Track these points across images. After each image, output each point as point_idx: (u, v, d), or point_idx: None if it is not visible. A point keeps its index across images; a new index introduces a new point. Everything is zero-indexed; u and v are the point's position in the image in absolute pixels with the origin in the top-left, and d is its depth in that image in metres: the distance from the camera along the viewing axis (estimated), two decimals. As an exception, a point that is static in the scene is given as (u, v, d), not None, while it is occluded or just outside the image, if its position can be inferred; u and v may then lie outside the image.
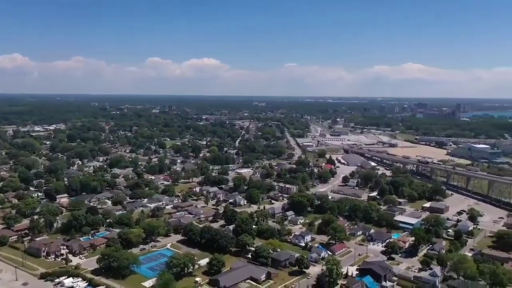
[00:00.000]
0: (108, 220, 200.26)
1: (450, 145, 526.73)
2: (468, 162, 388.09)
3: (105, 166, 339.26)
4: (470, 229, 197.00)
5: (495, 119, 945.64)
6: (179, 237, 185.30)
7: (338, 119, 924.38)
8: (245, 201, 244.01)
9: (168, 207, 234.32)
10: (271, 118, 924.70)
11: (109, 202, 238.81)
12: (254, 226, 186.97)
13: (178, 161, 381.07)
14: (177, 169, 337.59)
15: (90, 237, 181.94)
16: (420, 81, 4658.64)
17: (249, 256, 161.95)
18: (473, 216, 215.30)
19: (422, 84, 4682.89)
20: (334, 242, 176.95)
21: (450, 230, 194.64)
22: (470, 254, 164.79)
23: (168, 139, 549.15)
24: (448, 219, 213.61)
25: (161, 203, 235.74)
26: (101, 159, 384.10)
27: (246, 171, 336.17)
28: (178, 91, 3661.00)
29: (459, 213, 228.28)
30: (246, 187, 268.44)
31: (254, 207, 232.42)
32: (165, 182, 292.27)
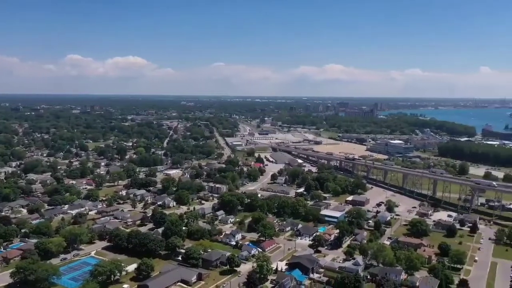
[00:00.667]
0: (23, 230, 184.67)
1: (369, 141, 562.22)
2: (385, 157, 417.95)
3: (18, 172, 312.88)
4: (388, 219, 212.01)
5: (408, 116, 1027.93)
6: (104, 243, 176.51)
7: (266, 118, 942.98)
8: (174, 203, 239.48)
9: (92, 212, 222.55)
10: (200, 117, 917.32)
11: (24, 211, 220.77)
12: (184, 228, 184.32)
13: (102, 164, 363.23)
14: (101, 172, 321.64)
15: (1, 249, 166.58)
16: (341, 81, 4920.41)
17: (180, 258, 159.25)
18: (390, 207, 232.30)
19: (343, 84, 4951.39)
20: (264, 239, 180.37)
21: (370, 221, 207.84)
22: (388, 243, 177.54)
23: (91, 141, 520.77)
24: (368, 210, 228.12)
25: (83, 209, 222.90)
26: (14, 164, 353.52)
27: (175, 172, 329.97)
28: (100, 90, 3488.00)
29: (378, 204, 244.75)
30: (175, 189, 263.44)
31: (184, 208, 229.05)
32: (88, 187, 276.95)
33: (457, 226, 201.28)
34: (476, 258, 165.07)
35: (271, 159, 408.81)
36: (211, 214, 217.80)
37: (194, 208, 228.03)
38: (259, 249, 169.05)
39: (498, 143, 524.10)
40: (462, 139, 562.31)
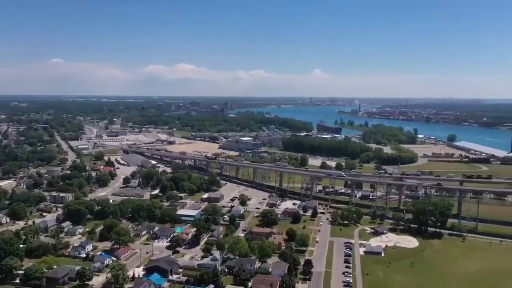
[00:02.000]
0: None
1: (222, 139, 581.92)
2: (237, 153, 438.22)
3: None
4: (241, 212, 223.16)
5: (255, 114, 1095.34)
6: None
7: (115, 119, 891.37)
8: (8, 218, 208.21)
9: None
10: (36, 120, 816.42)
11: None
12: (21, 246, 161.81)
13: None
14: None
15: None
16: (192, 81, 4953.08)
17: (18, 281, 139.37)
18: (243, 201, 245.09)
19: (194, 83, 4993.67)
20: (118, 247, 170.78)
21: (226, 216, 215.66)
22: (242, 235, 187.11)
23: None
24: (223, 206, 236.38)
25: None
26: None
27: (7, 183, 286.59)
28: None
29: (232, 199, 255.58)
30: (8, 202, 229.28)
31: (21, 224, 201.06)
32: None
33: (301, 212, 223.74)
34: (317, 239, 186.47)
35: (122, 162, 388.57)
36: (55, 226, 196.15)
37: (33, 222, 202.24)
38: (114, 258, 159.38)
39: (330, 136, 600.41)
40: (302, 134, 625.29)
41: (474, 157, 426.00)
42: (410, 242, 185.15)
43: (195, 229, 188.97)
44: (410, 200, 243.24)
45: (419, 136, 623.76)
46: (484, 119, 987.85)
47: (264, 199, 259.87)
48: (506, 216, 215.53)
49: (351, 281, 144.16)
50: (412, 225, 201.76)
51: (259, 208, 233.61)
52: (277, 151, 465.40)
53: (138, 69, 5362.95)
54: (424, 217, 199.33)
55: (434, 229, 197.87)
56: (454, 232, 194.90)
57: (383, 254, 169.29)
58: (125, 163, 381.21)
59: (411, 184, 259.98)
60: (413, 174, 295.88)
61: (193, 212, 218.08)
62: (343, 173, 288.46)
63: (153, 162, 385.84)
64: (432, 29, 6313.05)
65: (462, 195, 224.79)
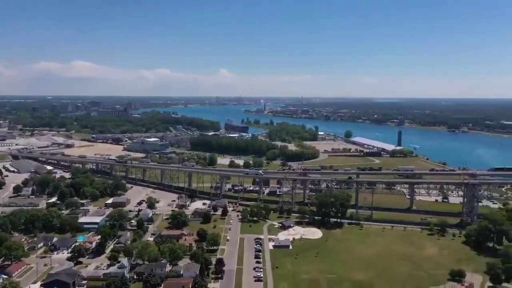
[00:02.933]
0: None
1: (126, 140, 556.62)
2: (143, 155, 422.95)
3: None
4: (150, 216, 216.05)
5: (161, 114, 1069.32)
6: None
7: (1, 122, 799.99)
8: None
9: None
10: None
11: None
12: None
13: None
14: None
15: None
16: (91, 80, 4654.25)
17: None
18: (151, 204, 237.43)
19: (94, 82, 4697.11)
20: (10, 263, 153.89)
21: (133, 221, 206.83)
22: (152, 239, 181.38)
23: None
24: (130, 210, 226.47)
25: None
26: None
27: None
28: None
29: (140, 203, 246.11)
30: None
31: None
32: None
33: (212, 212, 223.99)
34: (228, 238, 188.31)
35: (12, 169, 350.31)
36: None
37: None
38: (4, 276, 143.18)
39: (237, 135, 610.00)
40: (210, 134, 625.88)
41: (368, 151, 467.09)
42: (315, 233, 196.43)
43: (99, 236, 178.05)
44: (314, 193, 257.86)
45: (320, 133, 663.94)
46: (375, 116, 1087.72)
47: (174, 200, 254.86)
48: (395, 204, 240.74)
49: (262, 275, 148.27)
50: (316, 217, 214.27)
51: (168, 210, 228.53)
52: (185, 151, 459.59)
53: (26, 65, 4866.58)
54: (326, 209, 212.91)
55: (335, 220, 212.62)
56: (353, 221, 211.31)
57: (291, 247, 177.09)
58: (16, 170, 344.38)
59: (314, 179, 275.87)
60: (313, 169, 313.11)
61: (97, 219, 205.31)
62: (261, 171, 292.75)
63: (49, 167, 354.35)
64: (327, 33, 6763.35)
65: (358, 187, 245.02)
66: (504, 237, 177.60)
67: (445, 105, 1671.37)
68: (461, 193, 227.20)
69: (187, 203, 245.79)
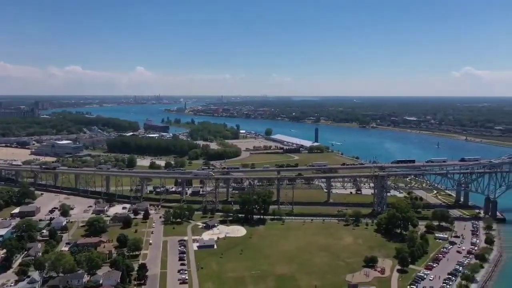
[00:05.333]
0: None
1: (34, 144, 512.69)
2: (54, 159, 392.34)
3: None
4: (64, 224, 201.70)
5: (74, 115, 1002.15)
6: None
7: None
8: None
9: None
10: None
11: None
12: None
13: None
14: None
15: None
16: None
17: None
18: (65, 211, 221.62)
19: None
20: None
21: (44, 231, 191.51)
22: (67, 248, 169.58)
23: None
24: (41, 220, 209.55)
25: None
26: None
27: None
28: None
29: (52, 211, 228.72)
30: None
31: None
32: None
33: (132, 216, 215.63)
34: (151, 241, 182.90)
35: None
36: None
37: None
38: None
39: (157, 135, 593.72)
40: (128, 134, 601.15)
41: (287, 148, 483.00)
42: (239, 231, 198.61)
43: (4, 250, 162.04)
44: (237, 192, 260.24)
45: (241, 131, 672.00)
46: (294, 114, 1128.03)
47: (90, 206, 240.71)
48: (314, 198, 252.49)
49: (186, 277, 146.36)
50: (240, 215, 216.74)
51: (85, 217, 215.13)
52: (101, 154, 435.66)
53: None
54: (249, 206, 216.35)
55: (259, 217, 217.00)
56: (275, 217, 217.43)
57: (215, 247, 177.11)
58: None
59: (237, 177, 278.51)
60: (233, 168, 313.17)
61: (2, 231, 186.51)
62: (211, 173, 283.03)
63: None
64: (245, 32, 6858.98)
65: (280, 183, 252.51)
66: (409, 223, 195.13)
67: (356, 102, 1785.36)
68: (372, 184, 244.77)
69: (105, 208, 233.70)
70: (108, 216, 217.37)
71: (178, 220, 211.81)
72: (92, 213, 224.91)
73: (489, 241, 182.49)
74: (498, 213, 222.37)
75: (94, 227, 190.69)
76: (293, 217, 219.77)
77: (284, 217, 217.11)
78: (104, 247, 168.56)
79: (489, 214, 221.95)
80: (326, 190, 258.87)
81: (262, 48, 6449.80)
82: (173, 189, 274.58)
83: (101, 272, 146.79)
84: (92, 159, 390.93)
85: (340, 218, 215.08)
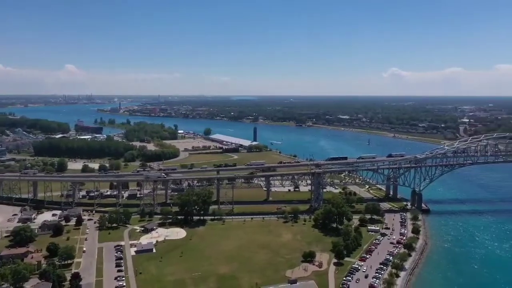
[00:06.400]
0: None
1: None
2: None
3: None
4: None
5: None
6: None
7: None
8: None
9: None
10: None
11: None
12: None
13: None
14: None
15: None
16: None
17: None
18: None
19: None
20: None
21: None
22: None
23: None
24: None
25: None
26: None
27: None
28: None
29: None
30: None
31: None
32: None
33: (64, 223, 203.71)
34: (85, 249, 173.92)
35: None
36: None
37: None
38: None
39: (90, 136, 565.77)
40: (58, 136, 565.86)
41: (227, 147, 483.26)
42: (178, 233, 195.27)
43: None
44: (176, 193, 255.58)
45: (179, 131, 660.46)
46: (232, 113, 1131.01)
47: (15, 214, 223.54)
48: (254, 196, 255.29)
49: (124, 284, 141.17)
50: (180, 217, 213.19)
51: (9, 226, 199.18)
52: (27, 158, 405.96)
53: None
54: (189, 207, 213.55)
55: (199, 217, 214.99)
56: (216, 217, 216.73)
57: (154, 250, 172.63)
58: None
59: (176, 178, 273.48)
60: (170, 168, 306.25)
61: None
62: (163, 174, 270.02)
63: None
64: (179, 29, 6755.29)
65: (220, 183, 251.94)
66: (344, 217, 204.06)
67: (293, 101, 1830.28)
68: (309, 182, 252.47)
69: (33, 216, 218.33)
70: (36, 224, 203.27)
71: (114, 225, 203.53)
72: (18, 222, 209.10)
73: (416, 231, 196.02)
74: (423, 205, 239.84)
75: (20, 237, 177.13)
76: (233, 217, 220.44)
77: (224, 217, 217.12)
78: (32, 257, 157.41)
79: (415, 205, 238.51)
80: (266, 189, 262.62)
81: (199, 47, 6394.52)
82: (108, 193, 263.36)
83: (29, 284, 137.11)
84: (17, 163, 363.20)
85: (279, 216, 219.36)
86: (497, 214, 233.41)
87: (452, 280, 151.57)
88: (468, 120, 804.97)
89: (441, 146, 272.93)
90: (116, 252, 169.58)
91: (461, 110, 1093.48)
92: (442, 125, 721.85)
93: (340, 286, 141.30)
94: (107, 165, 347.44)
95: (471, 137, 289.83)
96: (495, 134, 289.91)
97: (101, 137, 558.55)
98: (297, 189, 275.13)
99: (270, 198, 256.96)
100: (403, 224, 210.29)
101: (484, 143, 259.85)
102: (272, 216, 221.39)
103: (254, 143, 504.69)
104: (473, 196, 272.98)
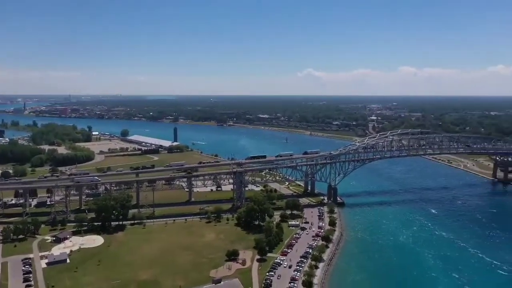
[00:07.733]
0: None
1: None
2: None
3: None
4: None
5: None
6: None
7: None
8: None
9: None
10: None
11: None
12: None
13: None
14: None
15: None
16: None
17: None
18: None
19: None
20: None
21: None
22: None
23: None
24: None
25: None
26: None
27: None
28: None
29: None
30: None
31: None
32: None
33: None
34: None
35: None
36: None
37: None
38: None
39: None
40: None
41: (146, 148, 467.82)
42: (95, 240, 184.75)
43: None
44: (92, 198, 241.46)
45: (94, 133, 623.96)
46: (151, 113, 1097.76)
47: None
48: (175, 198, 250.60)
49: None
50: (96, 223, 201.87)
51: None
52: None
53: None
54: (106, 213, 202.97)
55: (117, 223, 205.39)
56: (136, 221, 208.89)
57: (68, 261, 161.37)
58: None
59: (91, 183, 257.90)
60: (81, 173, 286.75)
61: None
62: (97, 177, 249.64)
63: None
64: (92, 26, 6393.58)
65: (139, 186, 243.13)
66: (266, 214, 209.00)
67: (213, 101, 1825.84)
68: (231, 180, 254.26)
69: None
70: None
71: (21, 236, 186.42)
72: None
73: (332, 223, 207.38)
74: (338, 198, 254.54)
75: None
76: (154, 220, 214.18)
77: (145, 221, 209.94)
78: None
79: (332, 199, 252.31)
80: (187, 190, 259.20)
81: (115, 45, 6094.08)
82: (13, 202, 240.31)
83: None
84: None
85: (202, 216, 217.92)
86: (402, 204, 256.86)
87: (365, 268, 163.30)
88: (376, 118, 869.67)
89: (353, 143, 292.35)
90: (24, 266, 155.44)
91: (369, 108, 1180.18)
92: (354, 123, 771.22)
93: (264, 281, 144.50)
94: (11, 171, 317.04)
95: (378, 134, 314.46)
96: (399, 130, 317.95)
97: (3, 141, 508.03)
98: (220, 189, 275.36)
99: (193, 199, 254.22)
100: (320, 217, 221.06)
101: (390, 139, 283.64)
102: (195, 217, 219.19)
103: (175, 143, 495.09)
104: (382, 188, 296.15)
